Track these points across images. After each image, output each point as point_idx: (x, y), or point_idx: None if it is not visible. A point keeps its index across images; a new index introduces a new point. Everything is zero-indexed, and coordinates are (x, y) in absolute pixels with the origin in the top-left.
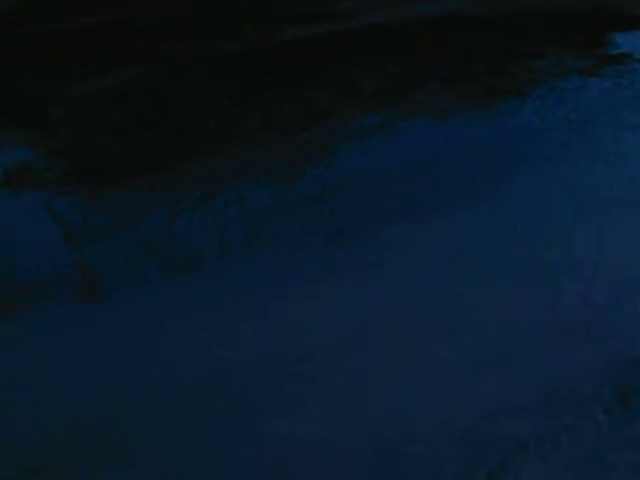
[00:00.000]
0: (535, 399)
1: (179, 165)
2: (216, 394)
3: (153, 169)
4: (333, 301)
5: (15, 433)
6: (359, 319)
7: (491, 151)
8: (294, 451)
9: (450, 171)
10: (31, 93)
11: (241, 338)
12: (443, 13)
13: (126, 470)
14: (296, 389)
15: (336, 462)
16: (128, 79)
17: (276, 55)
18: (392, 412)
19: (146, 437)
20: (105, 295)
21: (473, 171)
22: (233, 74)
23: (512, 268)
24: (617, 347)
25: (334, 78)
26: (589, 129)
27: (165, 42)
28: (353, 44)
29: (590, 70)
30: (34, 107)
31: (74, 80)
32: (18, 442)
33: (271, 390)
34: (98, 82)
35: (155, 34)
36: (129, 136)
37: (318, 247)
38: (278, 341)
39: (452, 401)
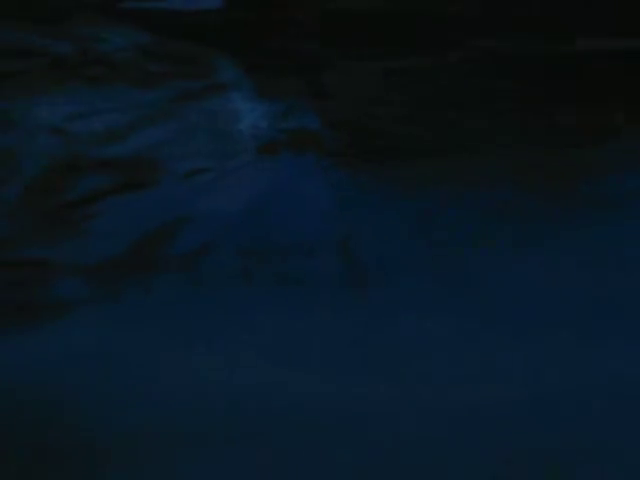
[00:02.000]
0: None
1: (446, 157)
2: None
3: (427, 156)
4: None
5: None
6: None
7: None
8: None
9: None
10: (322, 64)
11: None
12: None
13: None
14: None
15: None
16: (417, 65)
17: (563, 65)
18: None
19: None
20: (363, 272)
21: None
22: (519, 76)
23: None
24: None
25: (621, 95)
26: None
27: (464, 36)
28: None
29: None
30: (324, 78)
31: (363, 59)
32: None
33: None
34: (387, 63)
35: (458, 26)
36: (408, 120)
37: None
38: None
39: None
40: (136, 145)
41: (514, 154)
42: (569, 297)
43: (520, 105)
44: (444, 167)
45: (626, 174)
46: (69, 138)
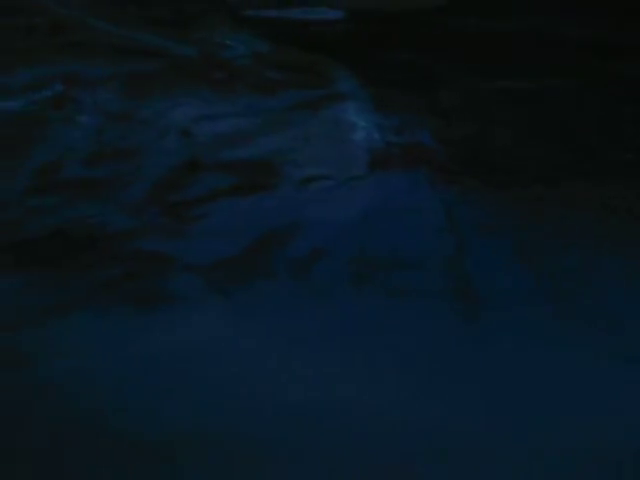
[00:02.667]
0: None
1: (561, 181)
2: None
3: (542, 179)
4: None
5: None
6: None
7: None
8: None
9: None
10: (438, 80)
11: None
12: None
13: None
14: None
15: None
16: (534, 86)
17: None
18: None
19: None
20: (473, 292)
21: None
22: None
23: None
24: None
25: None
26: None
27: (591, 58)
28: None
29: None
30: (440, 95)
31: (479, 76)
32: None
33: None
34: (504, 82)
35: (584, 47)
36: (524, 141)
37: None
38: None
39: None
40: (254, 150)
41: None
42: None
43: None
44: (559, 191)
45: None
46: (193, 139)
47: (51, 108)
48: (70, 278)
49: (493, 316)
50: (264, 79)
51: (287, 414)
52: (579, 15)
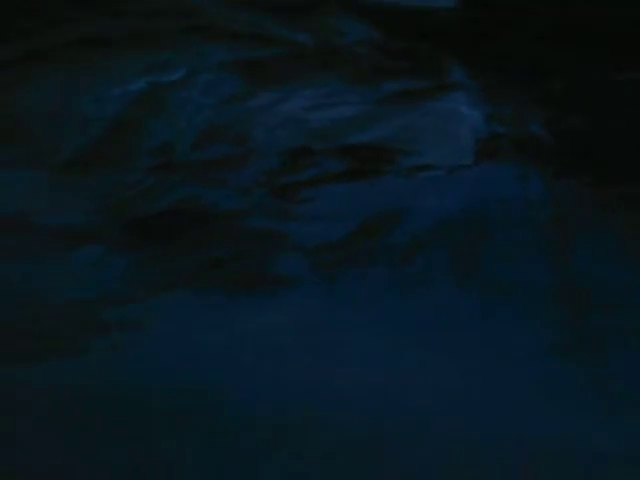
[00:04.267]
0: None
1: None
2: None
3: None
4: None
5: None
6: None
7: None
8: None
9: None
10: (552, 71)
11: None
12: None
13: None
14: None
15: None
16: None
17: None
18: None
19: None
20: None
21: None
22: None
23: None
24: None
25: None
26: None
27: None
28: None
29: None
30: (553, 86)
31: (595, 68)
32: None
33: None
34: (622, 74)
35: None
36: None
37: None
38: None
39: None
40: (364, 137)
41: None
42: None
43: None
44: None
45: None
46: (306, 125)
47: (171, 90)
48: (178, 257)
49: (598, 318)
50: (377, 67)
51: (378, 402)
52: None
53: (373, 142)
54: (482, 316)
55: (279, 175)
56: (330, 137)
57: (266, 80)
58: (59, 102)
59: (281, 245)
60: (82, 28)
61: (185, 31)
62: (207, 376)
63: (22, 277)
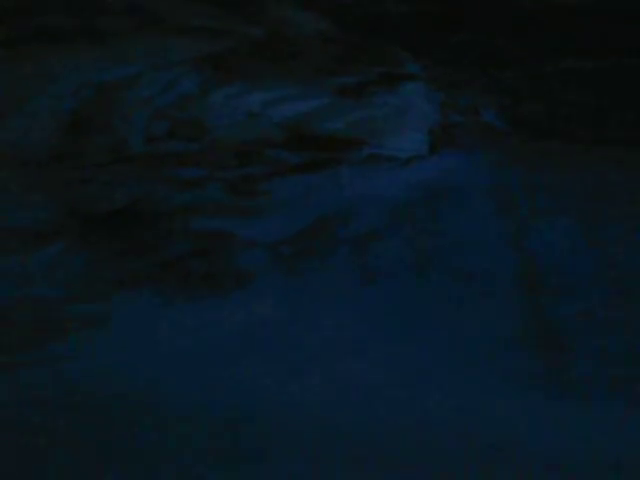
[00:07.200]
0: None
1: (631, 163)
2: None
3: (615, 161)
4: None
5: None
6: None
7: None
8: None
9: None
10: (507, 61)
11: None
12: None
13: None
14: None
15: None
16: (602, 65)
17: None
18: None
19: None
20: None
21: None
22: None
23: None
24: None
25: None
26: None
27: None
28: None
29: None
30: (507, 75)
31: (549, 57)
32: None
33: None
34: (572, 62)
35: None
36: (593, 122)
37: None
38: None
39: None
40: (318, 129)
41: None
42: None
43: None
44: (631, 173)
45: None
46: (262, 119)
47: (126, 86)
48: (136, 254)
49: (556, 304)
50: (328, 59)
51: (345, 392)
52: None
53: (327, 134)
54: (441, 304)
55: (235, 169)
56: (286, 130)
57: (221, 74)
58: (11, 98)
59: (239, 240)
60: (35, 23)
61: (138, 26)
62: (166, 372)
63: None
